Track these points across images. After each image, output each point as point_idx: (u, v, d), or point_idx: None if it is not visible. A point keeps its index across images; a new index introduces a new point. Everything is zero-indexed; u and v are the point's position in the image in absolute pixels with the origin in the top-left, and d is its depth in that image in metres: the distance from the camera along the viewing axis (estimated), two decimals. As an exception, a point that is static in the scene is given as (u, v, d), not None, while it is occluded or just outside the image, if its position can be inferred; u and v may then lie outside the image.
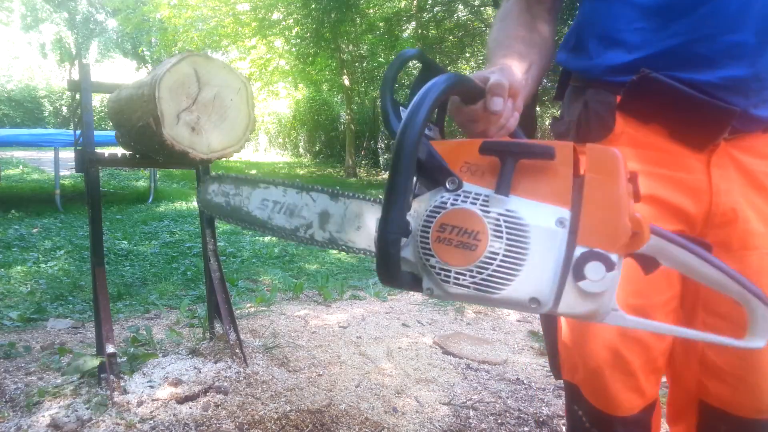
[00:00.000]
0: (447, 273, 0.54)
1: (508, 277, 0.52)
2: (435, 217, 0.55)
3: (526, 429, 1.87)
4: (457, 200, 0.54)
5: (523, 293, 0.52)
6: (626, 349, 0.84)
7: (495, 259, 0.52)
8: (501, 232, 0.52)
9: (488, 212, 0.53)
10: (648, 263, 0.58)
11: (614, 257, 0.51)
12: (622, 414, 0.88)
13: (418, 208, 0.57)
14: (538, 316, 3.14)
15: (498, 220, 0.52)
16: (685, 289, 0.88)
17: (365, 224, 0.70)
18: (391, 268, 0.54)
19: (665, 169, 0.82)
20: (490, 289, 0.53)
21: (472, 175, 0.55)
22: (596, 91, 0.87)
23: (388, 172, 0.55)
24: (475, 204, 0.54)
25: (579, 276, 0.51)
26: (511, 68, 0.76)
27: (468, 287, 0.54)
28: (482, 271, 0.53)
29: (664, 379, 0.96)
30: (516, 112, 0.72)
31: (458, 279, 0.54)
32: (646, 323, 0.58)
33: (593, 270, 0.50)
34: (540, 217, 0.52)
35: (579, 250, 0.51)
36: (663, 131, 0.82)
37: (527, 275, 0.52)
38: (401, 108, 0.67)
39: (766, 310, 0.56)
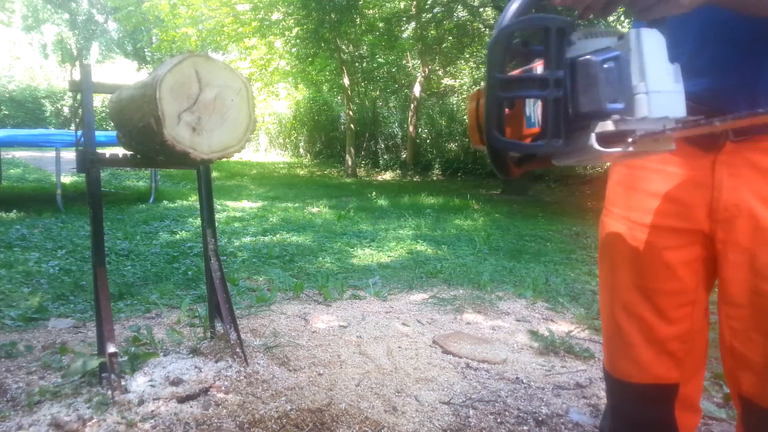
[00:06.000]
0: None
1: None
2: None
3: (525, 428, 1.88)
4: None
5: None
6: (625, 322, 0.98)
7: None
8: None
9: None
10: None
11: None
12: (618, 377, 1.02)
13: None
14: (537, 315, 3.14)
15: None
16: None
17: None
18: None
19: (675, 168, 0.93)
20: None
21: None
22: None
23: None
24: None
25: None
26: None
27: None
28: None
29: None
30: None
31: None
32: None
33: None
34: None
35: None
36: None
37: None
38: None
39: None
